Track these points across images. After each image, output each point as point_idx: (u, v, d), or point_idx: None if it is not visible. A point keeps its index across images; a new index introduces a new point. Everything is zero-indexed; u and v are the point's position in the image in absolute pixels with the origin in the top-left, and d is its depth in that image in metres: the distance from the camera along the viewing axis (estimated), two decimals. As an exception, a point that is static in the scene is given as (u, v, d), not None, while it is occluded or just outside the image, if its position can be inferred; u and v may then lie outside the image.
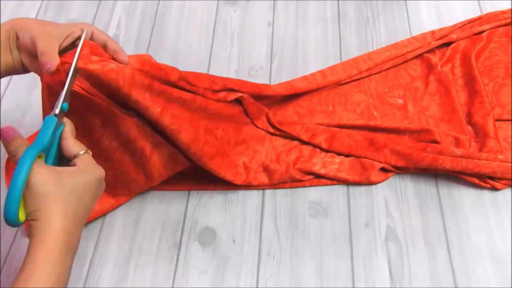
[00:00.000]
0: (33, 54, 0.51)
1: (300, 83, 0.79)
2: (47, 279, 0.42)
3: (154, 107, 0.57)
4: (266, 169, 0.72)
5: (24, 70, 0.54)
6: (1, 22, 0.89)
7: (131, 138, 0.61)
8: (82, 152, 0.49)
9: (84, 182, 0.47)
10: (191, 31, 0.91)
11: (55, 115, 0.49)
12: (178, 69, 0.61)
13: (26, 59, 0.53)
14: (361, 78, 0.82)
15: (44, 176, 0.43)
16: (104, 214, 0.70)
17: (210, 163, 0.66)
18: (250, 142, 0.74)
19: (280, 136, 0.76)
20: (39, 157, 0.45)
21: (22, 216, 0.43)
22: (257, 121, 0.75)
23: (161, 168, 0.66)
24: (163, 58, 0.87)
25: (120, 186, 0.69)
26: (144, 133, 0.61)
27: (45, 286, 0.42)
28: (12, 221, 0.43)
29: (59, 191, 0.44)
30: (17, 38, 0.51)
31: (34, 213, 0.43)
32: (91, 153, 0.51)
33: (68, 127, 0.50)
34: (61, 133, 0.50)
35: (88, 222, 0.69)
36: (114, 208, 0.70)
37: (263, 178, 0.71)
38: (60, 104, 0.50)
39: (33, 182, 0.43)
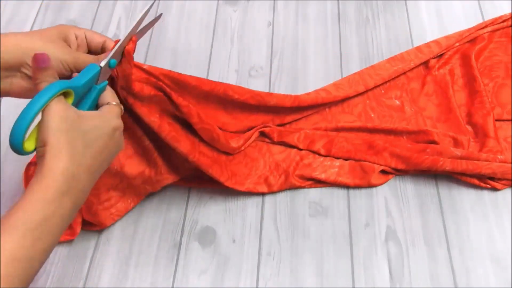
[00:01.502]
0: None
1: (306, 95, 0.77)
2: (35, 216, 0.39)
3: (153, 114, 0.59)
4: (266, 180, 0.71)
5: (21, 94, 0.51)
6: (1, 22, 0.88)
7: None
8: (114, 103, 0.49)
9: (99, 127, 0.45)
10: (191, 31, 0.91)
11: (100, 66, 0.48)
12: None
13: (24, 81, 0.50)
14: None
15: (60, 113, 0.42)
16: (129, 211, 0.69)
17: (209, 171, 0.67)
18: (247, 150, 0.74)
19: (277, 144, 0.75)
20: (65, 96, 0.44)
21: (29, 146, 0.41)
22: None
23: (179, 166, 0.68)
24: (163, 58, 0.87)
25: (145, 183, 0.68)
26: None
27: (30, 222, 0.39)
28: (15, 146, 0.40)
29: (70, 131, 0.42)
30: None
31: (41, 149, 0.42)
32: (122, 108, 0.50)
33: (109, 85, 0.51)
34: (102, 87, 0.50)
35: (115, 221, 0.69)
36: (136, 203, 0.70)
37: (263, 189, 0.71)
38: (108, 58, 0.49)
39: (47, 116, 0.42)
